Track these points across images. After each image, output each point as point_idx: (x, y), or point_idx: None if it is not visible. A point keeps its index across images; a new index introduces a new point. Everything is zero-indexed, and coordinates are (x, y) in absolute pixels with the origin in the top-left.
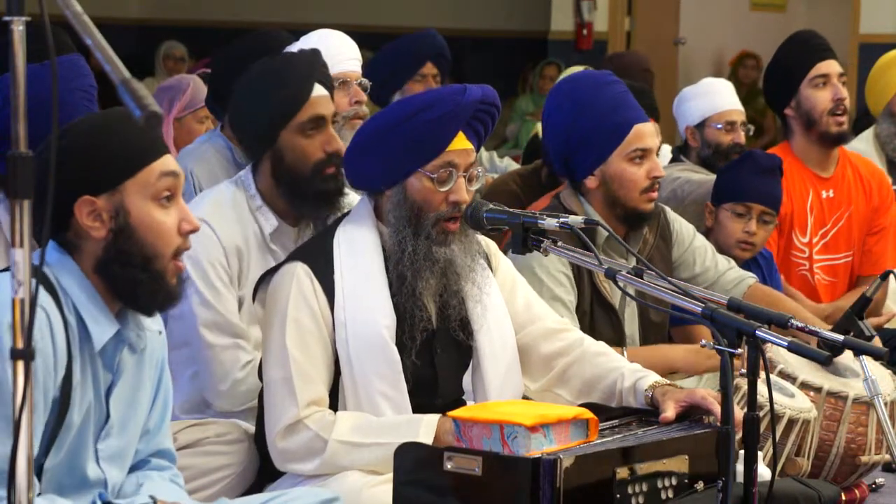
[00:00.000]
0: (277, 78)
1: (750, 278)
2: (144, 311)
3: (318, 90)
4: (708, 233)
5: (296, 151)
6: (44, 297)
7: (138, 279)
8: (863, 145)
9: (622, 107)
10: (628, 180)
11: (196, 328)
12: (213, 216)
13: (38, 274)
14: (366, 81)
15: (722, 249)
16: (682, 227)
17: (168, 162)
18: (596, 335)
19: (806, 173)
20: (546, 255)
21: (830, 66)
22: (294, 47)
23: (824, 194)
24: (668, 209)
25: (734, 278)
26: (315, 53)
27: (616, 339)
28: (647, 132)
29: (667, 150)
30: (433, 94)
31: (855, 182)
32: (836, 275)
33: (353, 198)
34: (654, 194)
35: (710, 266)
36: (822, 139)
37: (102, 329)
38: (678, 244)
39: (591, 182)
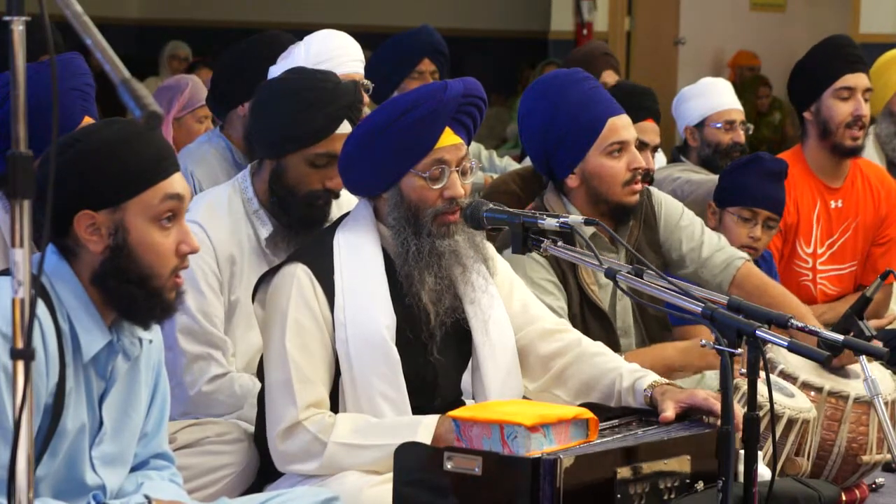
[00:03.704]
0: (313, 101)
1: (739, 259)
2: (141, 324)
3: (344, 128)
4: None
5: (298, 176)
6: (37, 304)
7: (135, 295)
8: None
9: (594, 102)
10: (608, 175)
11: (173, 333)
12: (207, 221)
13: (36, 282)
14: (368, 83)
15: None
16: (667, 207)
17: (174, 183)
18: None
19: (815, 183)
20: (546, 255)
21: (858, 80)
22: (298, 48)
23: (833, 204)
24: (653, 190)
25: (723, 261)
26: (356, 88)
27: (609, 342)
28: (621, 125)
29: (661, 158)
30: (415, 95)
31: (864, 191)
32: (841, 284)
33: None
34: (638, 186)
35: (697, 245)
36: (834, 150)
37: (93, 339)
38: (664, 225)
39: (572, 181)
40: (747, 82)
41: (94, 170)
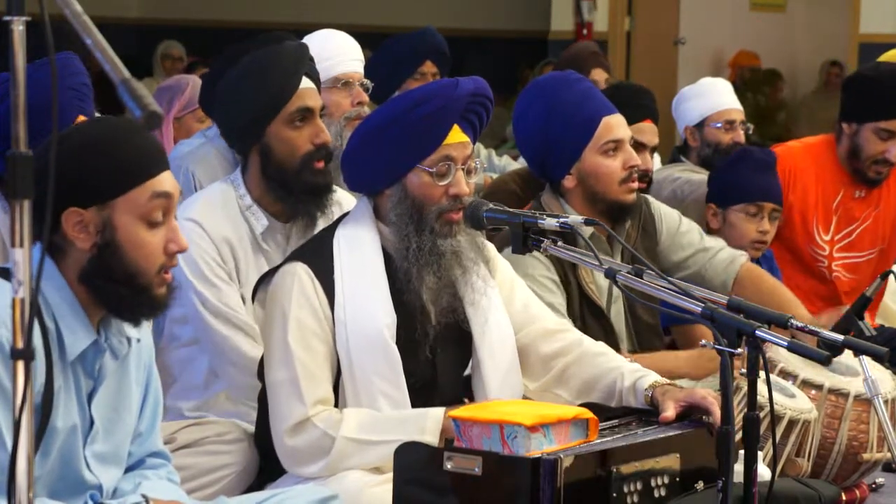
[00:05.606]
0: (265, 70)
1: (741, 257)
2: (129, 321)
3: (306, 82)
4: (713, 235)
5: (284, 144)
6: None
7: (121, 293)
8: None
9: (589, 102)
10: (605, 174)
11: (205, 326)
12: (203, 216)
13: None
14: (368, 82)
15: None
16: (666, 214)
17: (163, 181)
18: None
19: (840, 173)
20: (546, 255)
21: None
22: None
23: (856, 194)
24: (650, 198)
25: (725, 258)
26: (302, 46)
27: (608, 342)
28: (616, 123)
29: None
30: (425, 90)
31: (887, 181)
32: (857, 272)
33: (340, 195)
34: (634, 185)
35: (699, 248)
36: (855, 171)
37: (78, 339)
38: (665, 232)
39: (568, 181)
40: (759, 76)
41: (83, 167)
